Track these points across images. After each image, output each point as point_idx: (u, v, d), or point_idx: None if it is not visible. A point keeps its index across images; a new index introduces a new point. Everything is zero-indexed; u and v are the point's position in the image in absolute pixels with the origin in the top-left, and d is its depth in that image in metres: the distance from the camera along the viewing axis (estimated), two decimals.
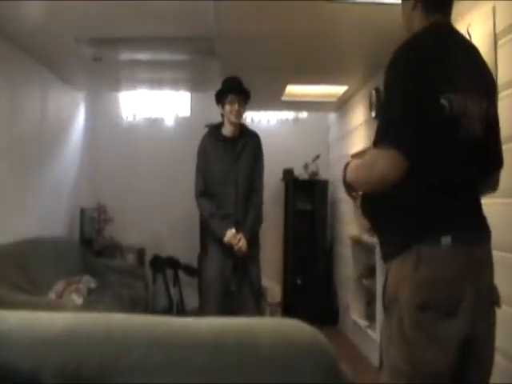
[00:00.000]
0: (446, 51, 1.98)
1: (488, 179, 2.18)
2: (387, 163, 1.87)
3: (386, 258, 2.07)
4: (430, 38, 2.01)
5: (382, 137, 1.93)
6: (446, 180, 1.94)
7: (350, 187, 2.20)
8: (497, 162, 2.16)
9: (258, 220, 4.40)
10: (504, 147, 2.62)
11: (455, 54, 2.02)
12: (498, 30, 2.93)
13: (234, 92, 4.31)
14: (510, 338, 2.71)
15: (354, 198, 2.30)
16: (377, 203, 2.09)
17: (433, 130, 1.90)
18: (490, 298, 1.99)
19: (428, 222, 1.93)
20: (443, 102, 1.88)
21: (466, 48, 2.13)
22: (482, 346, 1.96)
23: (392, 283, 1.98)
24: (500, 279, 2.07)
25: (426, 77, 1.89)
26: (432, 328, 1.87)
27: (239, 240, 4.18)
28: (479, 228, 2.03)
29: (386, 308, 2.02)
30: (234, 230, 4.19)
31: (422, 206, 1.95)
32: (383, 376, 2.00)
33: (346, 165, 2.22)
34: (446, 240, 1.88)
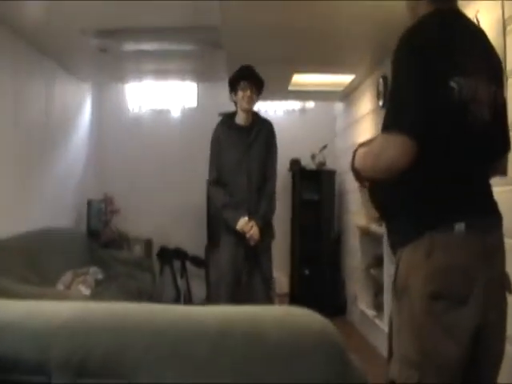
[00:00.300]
0: (452, 35, 1.94)
1: (496, 164, 2.15)
2: (397, 149, 1.83)
3: (396, 245, 2.03)
4: (437, 23, 1.95)
5: (391, 123, 1.89)
6: (457, 165, 1.91)
7: (358, 174, 2.16)
8: (505, 146, 2.13)
9: (271, 208, 4.38)
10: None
11: (462, 38, 1.98)
12: (506, 16, 2.89)
13: (247, 78, 4.31)
14: None
15: (363, 186, 2.27)
16: (387, 191, 2.05)
17: (442, 115, 1.86)
18: (503, 286, 1.97)
19: (441, 208, 1.90)
20: (453, 84, 1.85)
21: (474, 32, 2.08)
22: (493, 335, 1.93)
23: (403, 271, 1.94)
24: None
25: (434, 61, 1.85)
26: (445, 317, 1.84)
27: (251, 227, 4.17)
28: (491, 214, 2.00)
29: (396, 296, 1.99)
30: (246, 218, 4.19)
31: (434, 193, 1.92)
32: (393, 365, 1.97)
33: (355, 152, 2.19)
34: (460, 227, 1.85)
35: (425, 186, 1.93)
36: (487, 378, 1.96)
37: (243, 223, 4.18)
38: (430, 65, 1.84)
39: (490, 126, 1.96)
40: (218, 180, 4.34)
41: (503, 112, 2.08)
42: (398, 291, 1.97)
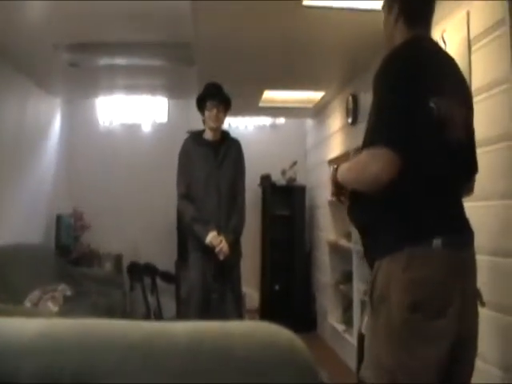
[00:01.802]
0: (430, 60, 2.09)
1: (469, 184, 2.32)
2: (382, 163, 1.92)
3: (374, 258, 2.11)
4: (416, 48, 2.12)
5: (376, 138, 1.98)
6: (437, 182, 2.03)
7: (339, 189, 2.27)
8: (474, 167, 2.27)
9: (241, 224, 4.38)
10: (480, 150, 2.67)
11: (438, 62, 2.14)
12: (472, 36, 2.96)
13: (213, 98, 4.32)
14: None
15: (341, 202, 2.37)
16: (367, 206, 2.15)
17: (423, 132, 1.98)
18: (475, 299, 2.10)
19: (420, 224, 2.01)
20: (432, 105, 1.97)
21: (446, 58, 2.25)
22: (468, 343, 2.04)
23: (382, 281, 2.03)
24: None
25: (415, 82, 1.98)
26: (422, 328, 1.94)
27: (221, 242, 4.15)
28: (465, 231, 2.13)
29: (372, 305, 2.07)
30: (215, 232, 4.17)
31: (414, 209, 2.02)
32: (365, 370, 2.07)
33: (337, 167, 2.29)
34: (438, 243, 1.95)
35: (405, 202, 2.03)
36: None
37: (212, 237, 4.16)
38: (412, 86, 1.97)
39: (465, 145, 2.13)
40: (187, 194, 4.32)
41: (472, 135, 2.23)
42: (375, 300, 2.05)
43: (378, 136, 1.99)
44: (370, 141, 2.03)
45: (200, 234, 4.20)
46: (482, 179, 2.81)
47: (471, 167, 2.26)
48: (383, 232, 2.09)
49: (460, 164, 2.12)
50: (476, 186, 2.47)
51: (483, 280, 2.73)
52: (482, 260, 2.78)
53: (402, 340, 1.95)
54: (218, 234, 4.18)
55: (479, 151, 2.73)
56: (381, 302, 2.02)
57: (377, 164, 1.94)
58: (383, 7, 2.33)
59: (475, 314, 2.09)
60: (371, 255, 2.17)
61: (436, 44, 2.29)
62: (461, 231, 2.10)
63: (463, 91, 2.22)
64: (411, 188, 2.00)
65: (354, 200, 2.23)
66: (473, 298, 2.09)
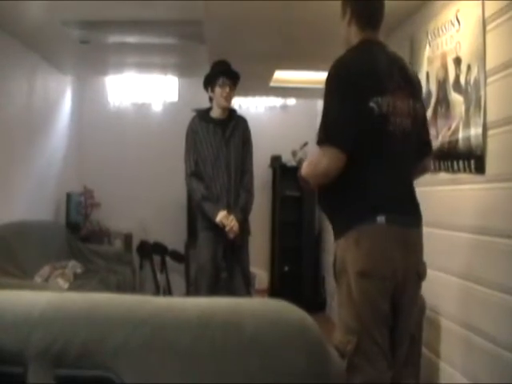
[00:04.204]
0: (373, 64, 2.44)
1: (419, 165, 2.67)
2: (330, 159, 2.35)
3: (336, 237, 2.50)
4: (361, 54, 2.48)
5: (324, 138, 2.37)
6: (381, 169, 2.40)
7: (304, 181, 2.60)
8: (426, 149, 2.69)
9: (250, 202, 4.37)
10: (493, 132, 2.66)
11: (383, 64, 2.46)
12: (486, 15, 2.92)
13: (226, 75, 4.28)
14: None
15: (310, 189, 2.81)
16: (327, 195, 2.57)
17: (366, 127, 2.34)
18: (418, 272, 2.47)
19: (366, 205, 2.37)
20: (372, 104, 2.33)
21: (393, 59, 2.57)
22: (410, 304, 2.47)
23: (340, 257, 2.43)
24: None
25: (355, 86, 2.34)
26: (370, 290, 2.32)
27: (231, 220, 4.15)
28: (411, 213, 2.49)
29: (336, 278, 2.47)
30: (225, 211, 4.16)
31: (362, 193, 2.40)
32: (337, 333, 2.43)
33: (301, 163, 2.73)
34: (381, 219, 2.33)
35: (354, 188, 2.41)
36: (406, 335, 2.49)
37: (223, 216, 4.15)
38: (352, 90, 2.35)
39: (411, 132, 2.47)
40: (195, 172, 4.30)
41: (424, 121, 2.63)
42: (337, 273, 2.46)
43: (325, 136, 2.37)
44: (319, 139, 2.40)
45: (210, 213, 4.19)
46: (496, 160, 2.79)
47: (421, 150, 2.62)
48: (340, 215, 2.50)
49: (406, 150, 2.47)
50: (493, 167, 2.79)
51: (501, 264, 2.74)
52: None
53: (359, 303, 2.32)
54: (228, 212, 4.18)
55: (494, 132, 2.74)
56: (341, 274, 2.42)
57: (326, 160, 2.36)
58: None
59: (417, 283, 2.50)
60: (334, 236, 2.53)
61: (383, 47, 2.57)
62: (405, 212, 2.44)
63: (408, 85, 2.51)
64: (358, 176, 2.38)
65: (320, 192, 2.63)
66: (415, 270, 2.45)
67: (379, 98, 2.35)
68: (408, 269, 2.39)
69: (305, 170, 2.57)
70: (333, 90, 2.40)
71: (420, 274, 2.50)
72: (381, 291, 2.33)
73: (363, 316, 2.32)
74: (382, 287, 2.33)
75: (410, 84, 2.54)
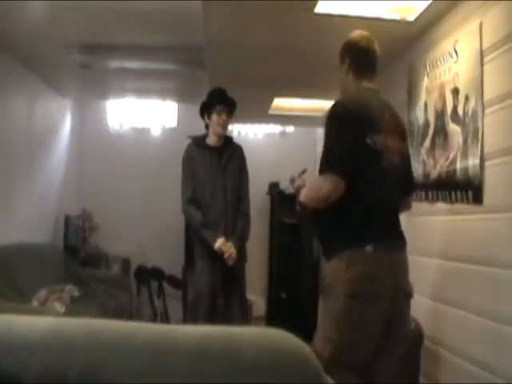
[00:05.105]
0: (369, 106, 2.71)
1: (406, 201, 3.00)
2: (331, 185, 2.57)
3: (328, 258, 2.74)
4: (358, 98, 2.76)
5: (326, 167, 2.61)
6: (373, 200, 2.63)
7: (303, 207, 2.83)
8: (410, 187, 3.03)
9: (248, 229, 4.38)
10: (490, 162, 2.69)
11: (376, 108, 2.74)
12: (484, 47, 2.95)
13: (223, 102, 4.32)
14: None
15: (304, 216, 3.14)
16: (322, 221, 2.80)
17: (362, 161, 2.59)
18: (405, 291, 2.72)
19: (357, 233, 2.61)
20: (368, 141, 2.59)
21: (385, 105, 2.85)
22: (399, 321, 2.69)
23: (330, 277, 2.70)
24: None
25: (353, 126, 2.60)
26: (358, 311, 2.55)
27: (230, 247, 4.15)
28: (397, 239, 2.76)
29: (323, 294, 2.78)
30: (223, 238, 4.16)
31: (354, 222, 2.63)
32: (317, 341, 2.67)
33: (300, 190, 2.96)
34: (369, 248, 2.57)
35: (347, 217, 2.64)
36: (394, 360, 2.70)
37: (221, 243, 4.15)
38: (351, 128, 2.60)
39: (400, 169, 2.75)
40: (192, 199, 4.30)
41: (408, 161, 2.92)
42: (325, 290, 2.73)
43: (326, 166, 2.61)
44: (321, 168, 2.64)
45: (209, 240, 4.19)
46: (494, 190, 2.81)
47: (407, 187, 2.94)
48: (332, 240, 2.74)
49: (395, 185, 2.73)
50: (491, 197, 2.87)
51: (500, 295, 2.74)
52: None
53: (343, 319, 2.56)
54: (226, 239, 4.18)
55: (491, 162, 2.77)
56: (329, 291, 2.68)
57: (328, 186, 2.59)
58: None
59: (406, 301, 2.75)
60: (325, 257, 2.80)
61: (377, 94, 2.86)
62: (391, 239, 2.70)
63: (397, 128, 2.80)
64: (352, 205, 2.60)
65: (315, 217, 2.87)
66: (403, 289, 2.69)
67: (374, 135, 2.62)
68: (396, 290, 2.63)
69: (306, 194, 2.80)
70: (333, 127, 2.67)
71: (407, 294, 2.75)
72: (367, 313, 2.56)
73: (345, 333, 2.57)
74: (370, 308, 2.56)
75: (398, 127, 2.83)
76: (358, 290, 2.54)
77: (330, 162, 2.62)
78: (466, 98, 3.13)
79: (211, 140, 4.39)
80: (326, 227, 2.78)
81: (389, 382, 2.67)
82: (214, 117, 4.30)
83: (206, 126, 4.42)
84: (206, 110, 4.38)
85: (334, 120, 2.67)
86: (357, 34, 2.93)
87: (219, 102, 4.31)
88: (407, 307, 2.79)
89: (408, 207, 3.06)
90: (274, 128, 7.89)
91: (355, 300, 2.54)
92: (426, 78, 3.76)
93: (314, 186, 2.79)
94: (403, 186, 2.85)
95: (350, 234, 2.63)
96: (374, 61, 2.89)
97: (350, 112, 2.63)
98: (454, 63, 3.32)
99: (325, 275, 2.75)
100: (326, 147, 2.67)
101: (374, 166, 2.63)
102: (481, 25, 3.00)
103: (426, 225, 3.72)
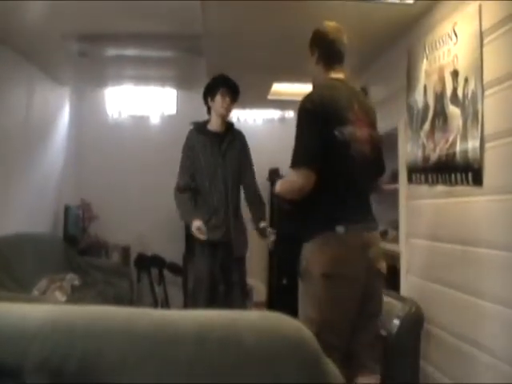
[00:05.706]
0: (336, 99, 2.84)
1: (377, 184, 3.26)
2: (302, 178, 2.75)
3: (304, 240, 2.86)
4: (326, 91, 2.88)
5: (297, 160, 2.77)
6: (343, 186, 2.80)
7: (280, 197, 3.02)
8: (380, 171, 3.17)
9: (264, 212, 4.61)
10: (490, 144, 2.67)
11: (344, 99, 2.87)
12: (483, 29, 2.94)
13: (227, 85, 4.31)
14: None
15: (286, 206, 3.18)
16: (299, 207, 2.95)
17: (331, 151, 2.75)
18: (378, 269, 2.87)
19: (328, 217, 2.78)
20: (336, 133, 2.75)
21: (353, 94, 3.01)
22: (372, 299, 2.86)
23: (305, 259, 2.82)
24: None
25: (321, 118, 2.75)
26: (334, 290, 2.69)
27: (201, 233, 4.06)
28: (368, 220, 2.90)
29: (300, 276, 2.87)
30: (200, 222, 4.08)
31: (326, 207, 2.80)
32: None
33: (275, 183, 3.09)
34: (341, 229, 2.72)
35: (320, 202, 2.79)
36: (368, 334, 2.91)
37: (197, 226, 4.07)
38: (319, 123, 2.75)
39: (370, 156, 2.89)
40: (186, 187, 4.30)
41: (379, 147, 3.04)
42: (302, 273, 2.85)
43: (297, 160, 2.77)
44: (292, 163, 2.79)
45: (187, 219, 4.27)
46: (494, 173, 2.80)
47: (376, 172, 3.12)
48: (306, 226, 2.89)
49: (365, 171, 2.88)
50: (488, 179, 2.88)
51: (499, 277, 2.73)
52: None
53: (321, 298, 2.70)
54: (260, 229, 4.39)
55: (491, 144, 2.76)
56: (305, 273, 2.81)
57: (300, 180, 2.76)
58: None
59: (379, 278, 2.91)
60: (302, 242, 2.89)
61: (345, 83, 2.99)
62: (362, 221, 2.84)
63: (366, 116, 2.94)
64: (323, 192, 2.75)
65: (293, 205, 3.00)
66: (375, 267, 2.83)
67: (342, 127, 2.77)
68: (369, 268, 2.79)
69: (281, 187, 2.99)
70: (302, 122, 2.82)
71: (380, 272, 2.91)
72: (343, 290, 2.72)
73: (325, 312, 2.70)
74: (345, 287, 2.71)
75: (367, 115, 2.97)
76: (332, 270, 2.69)
77: (300, 156, 2.78)
78: (466, 81, 3.11)
79: (213, 125, 4.38)
80: (301, 214, 2.97)
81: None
82: (218, 98, 4.29)
83: (209, 110, 4.40)
84: (209, 93, 4.36)
85: (302, 115, 2.83)
86: (326, 25, 3.06)
87: (223, 85, 4.30)
88: (380, 284, 2.96)
89: (379, 190, 3.35)
90: (274, 114, 7.86)
91: (331, 280, 2.68)
92: (425, 60, 3.74)
93: (288, 180, 2.99)
94: (373, 172, 3.05)
95: (322, 218, 2.81)
96: (342, 51, 3.02)
97: (318, 106, 2.77)
98: (453, 45, 3.30)
99: (301, 259, 2.87)
100: (296, 142, 2.81)
101: (342, 156, 2.78)
102: (480, 6, 2.98)
103: (426, 207, 3.72)
